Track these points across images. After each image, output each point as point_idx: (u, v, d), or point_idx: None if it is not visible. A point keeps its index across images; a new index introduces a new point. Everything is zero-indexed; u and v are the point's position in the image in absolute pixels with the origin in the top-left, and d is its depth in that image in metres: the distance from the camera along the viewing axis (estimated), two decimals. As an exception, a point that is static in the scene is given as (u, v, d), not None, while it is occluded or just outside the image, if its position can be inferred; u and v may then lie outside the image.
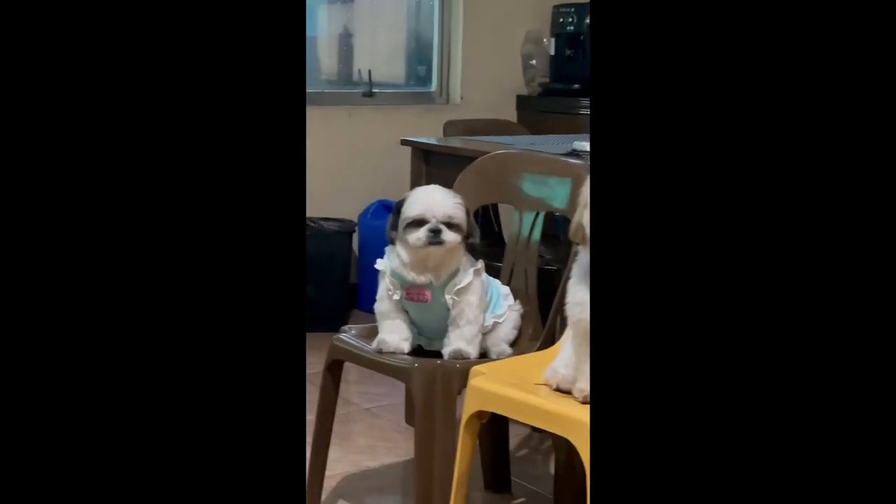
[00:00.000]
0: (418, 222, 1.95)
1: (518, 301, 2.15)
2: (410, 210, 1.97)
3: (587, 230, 1.61)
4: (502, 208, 3.24)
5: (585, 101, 4.13)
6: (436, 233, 1.94)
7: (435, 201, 1.97)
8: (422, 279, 2.00)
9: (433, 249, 1.95)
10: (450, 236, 1.95)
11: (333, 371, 2.15)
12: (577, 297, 1.68)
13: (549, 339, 2.05)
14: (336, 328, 2.21)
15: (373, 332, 2.09)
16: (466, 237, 2.01)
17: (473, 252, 2.05)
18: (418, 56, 4.45)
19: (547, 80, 4.45)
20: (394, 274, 2.02)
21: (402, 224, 1.97)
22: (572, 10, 4.32)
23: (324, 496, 2.24)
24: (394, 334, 2.03)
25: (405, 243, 1.97)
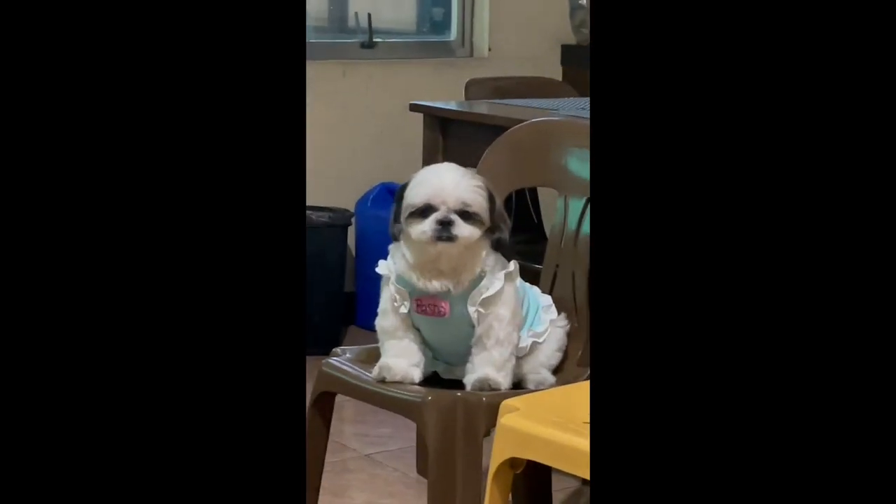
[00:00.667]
0: (424, 211, 1.93)
1: (563, 315, 2.15)
2: (414, 196, 1.95)
3: None
4: (542, 193, 3.23)
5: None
6: (446, 225, 1.92)
7: (445, 184, 1.95)
8: (436, 286, 1.99)
9: (444, 247, 1.94)
10: (465, 230, 1.93)
11: (323, 406, 2.15)
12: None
13: (604, 364, 2.05)
14: (327, 350, 2.22)
15: (374, 356, 2.10)
16: (491, 231, 1.99)
17: (503, 250, 2.03)
18: (433, -1, 4.46)
19: (600, 25, 4.45)
20: (400, 280, 2.02)
21: (404, 214, 1.96)
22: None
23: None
24: (401, 359, 2.03)
25: (409, 239, 1.96)
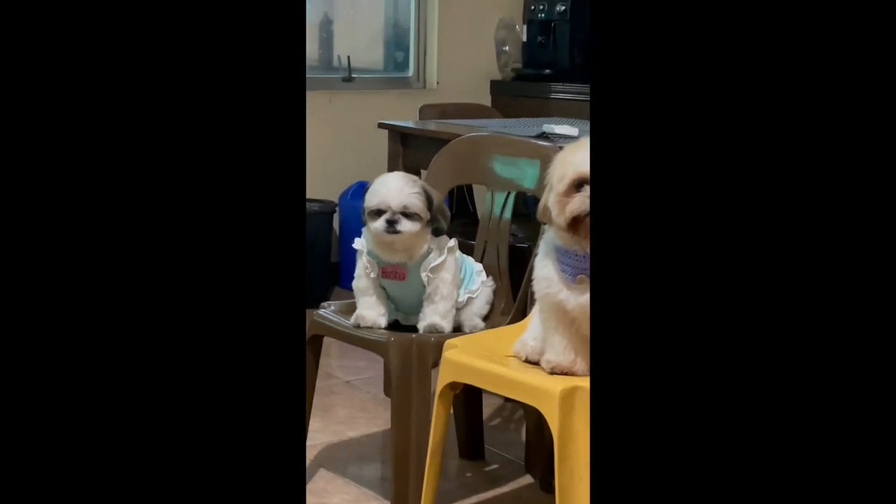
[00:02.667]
0: (377, 212, 1.96)
1: (490, 277, 2.16)
2: (370, 200, 1.98)
3: (553, 210, 1.62)
4: (476, 188, 3.25)
5: (556, 86, 4.15)
6: (392, 223, 1.95)
7: (391, 192, 1.96)
8: (395, 259, 2.01)
9: (392, 238, 1.96)
10: (407, 226, 1.95)
11: (314, 346, 2.15)
12: (544, 272, 1.69)
13: (520, 314, 2.07)
14: (317, 304, 2.21)
15: (351, 308, 2.10)
16: (431, 222, 2.00)
17: (442, 234, 2.04)
18: (396, 42, 4.44)
19: (519, 65, 4.46)
20: (370, 253, 2.04)
21: (364, 213, 1.99)
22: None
23: (306, 465, 2.26)
24: (371, 310, 2.05)
25: (369, 230, 1.99)
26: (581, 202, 1.58)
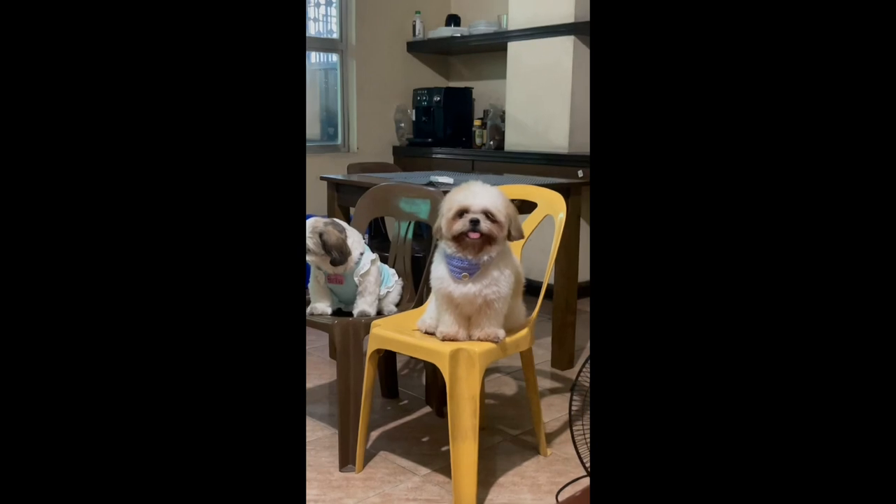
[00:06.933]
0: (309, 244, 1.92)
1: (400, 278, 2.16)
2: (305, 238, 1.93)
3: (444, 230, 1.65)
4: (387, 219, 3.24)
5: (436, 149, 4.18)
6: (314, 253, 1.92)
7: (311, 229, 1.91)
8: (333, 270, 1.98)
9: (318, 260, 1.93)
10: (310, 258, 1.91)
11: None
12: (438, 272, 1.71)
13: (420, 301, 2.07)
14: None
15: (308, 302, 2.06)
16: (327, 255, 1.92)
17: (335, 265, 1.95)
18: (328, 121, 4.39)
19: (411, 135, 4.48)
20: (318, 267, 2.01)
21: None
22: (425, 91, 4.38)
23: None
24: (320, 303, 2.01)
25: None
26: (462, 224, 1.61)
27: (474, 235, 1.61)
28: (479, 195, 1.62)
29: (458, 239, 1.63)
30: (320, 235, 1.93)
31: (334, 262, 1.95)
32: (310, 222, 1.96)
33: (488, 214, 1.60)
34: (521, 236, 1.67)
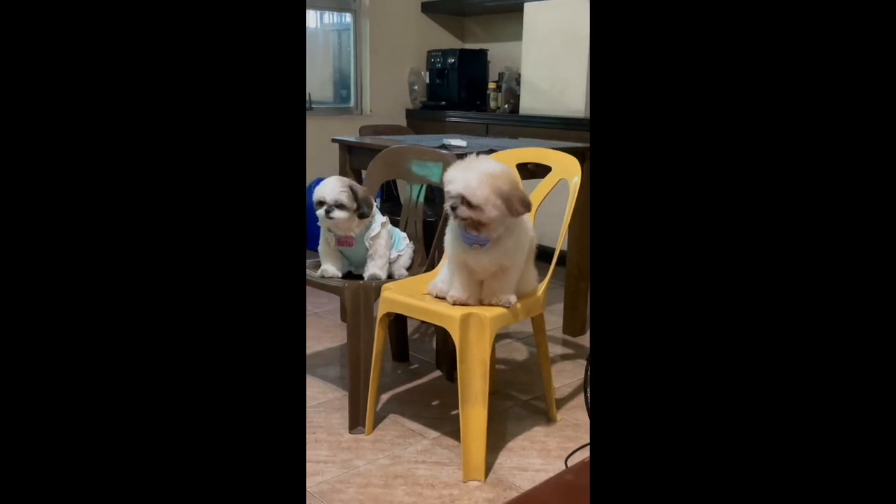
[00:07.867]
0: (319, 203, 1.91)
1: (411, 242, 2.14)
2: (314, 196, 1.92)
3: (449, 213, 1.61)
4: (399, 182, 3.21)
5: (449, 113, 4.13)
6: (328, 211, 1.89)
7: (326, 190, 1.90)
8: (343, 233, 1.96)
9: (330, 222, 1.91)
10: (338, 213, 1.89)
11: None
12: (449, 237, 1.70)
13: (431, 266, 2.06)
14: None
15: (317, 265, 2.05)
16: (357, 209, 1.93)
17: (363, 218, 1.96)
18: (341, 83, 4.33)
19: (425, 98, 4.42)
20: (329, 230, 1.99)
21: (314, 204, 1.93)
22: (439, 53, 4.31)
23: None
24: (331, 265, 2.00)
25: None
26: (447, 207, 1.59)
27: (460, 219, 1.57)
28: (456, 179, 1.55)
29: (462, 222, 1.60)
30: (350, 188, 1.92)
31: (362, 216, 1.93)
32: (334, 179, 1.94)
33: (464, 199, 1.54)
34: (528, 209, 1.58)
